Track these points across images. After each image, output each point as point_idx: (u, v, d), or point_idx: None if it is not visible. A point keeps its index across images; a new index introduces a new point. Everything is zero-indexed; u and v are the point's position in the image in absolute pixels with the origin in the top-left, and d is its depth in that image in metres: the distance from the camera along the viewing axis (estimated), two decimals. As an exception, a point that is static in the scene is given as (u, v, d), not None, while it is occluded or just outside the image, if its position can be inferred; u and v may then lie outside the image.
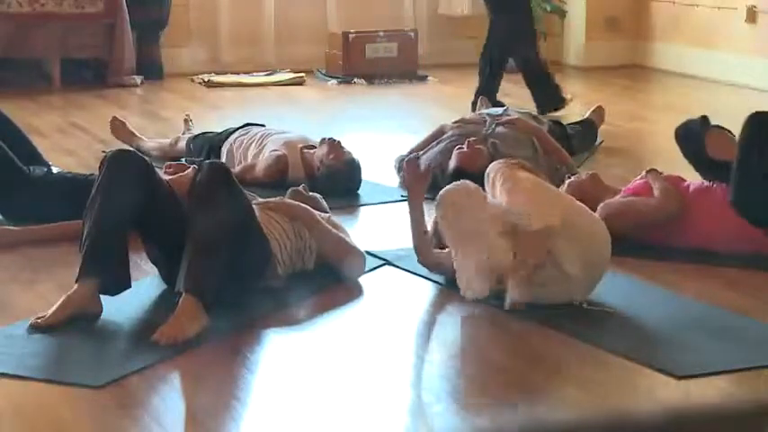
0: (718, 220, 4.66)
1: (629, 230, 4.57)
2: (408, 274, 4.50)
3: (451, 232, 4.04)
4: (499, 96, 8.01)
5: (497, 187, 4.17)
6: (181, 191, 4.16)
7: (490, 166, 4.37)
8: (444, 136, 5.93)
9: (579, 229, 4.08)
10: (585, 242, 4.08)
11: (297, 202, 4.50)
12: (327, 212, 4.68)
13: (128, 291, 4.04)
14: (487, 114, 6.19)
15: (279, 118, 7.00)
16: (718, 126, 4.95)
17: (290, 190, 4.70)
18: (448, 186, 4.15)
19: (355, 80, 9.02)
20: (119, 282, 4.02)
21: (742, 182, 4.64)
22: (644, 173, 4.91)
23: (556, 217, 4.03)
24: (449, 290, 4.29)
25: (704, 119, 4.99)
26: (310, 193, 4.71)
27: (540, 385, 3.63)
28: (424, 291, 4.34)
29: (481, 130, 5.89)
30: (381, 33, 9.27)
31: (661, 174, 4.86)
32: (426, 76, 9.22)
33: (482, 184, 5.32)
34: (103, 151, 5.59)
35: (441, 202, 4.09)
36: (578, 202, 4.26)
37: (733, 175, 4.65)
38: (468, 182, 4.17)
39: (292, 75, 9.08)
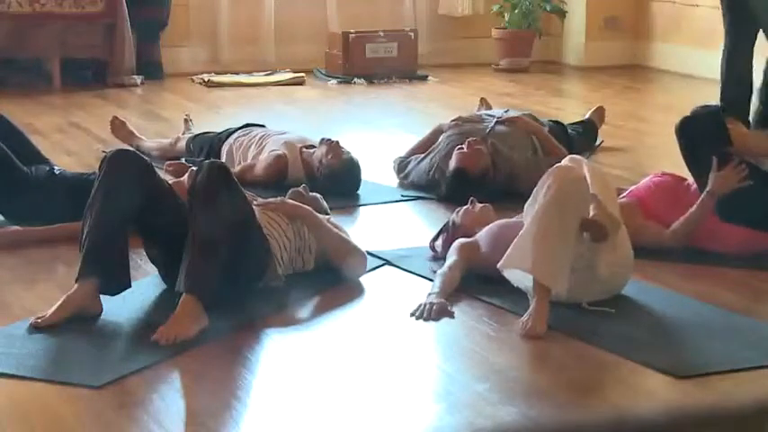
0: (719, 223, 4.66)
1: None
2: (408, 274, 4.50)
3: (551, 206, 3.95)
4: (501, 96, 8.01)
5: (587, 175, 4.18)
6: (182, 193, 4.16)
7: (570, 158, 4.30)
8: (443, 135, 5.92)
9: (623, 241, 4.13)
10: (622, 255, 4.13)
11: (298, 203, 4.49)
12: (328, 213, 4.68)
13: (128, 291, 4.04)
14: (488, 114, 6.19)
15: (279, 118, 7.01)
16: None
17: (290, 191, 4.70)
18: (567, 168, 4.08)
19: (355, 80, 9.03)
20: (119, 282, 4.02)
21: (704, 190, 4.65)
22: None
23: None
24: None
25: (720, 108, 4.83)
26: (311, 194, 4.71)
27: (540, 385, 3.62)
28: (424, 291, 4.34)
29: (480, 128, 5.88)
30: (381, 33, 9.27)
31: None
32: (426, 76, 9.23)
33: (482, 185, 5.36)
34: (103, 151, 5.59)
35: (555, 180, 4.00)
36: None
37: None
38: (581, 175, 4.10)
39: (292, 75, 9.08)
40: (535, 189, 4.06)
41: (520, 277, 4.05)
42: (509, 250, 4.00)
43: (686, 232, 4.64)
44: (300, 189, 4.71)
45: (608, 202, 4.09)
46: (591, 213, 4.01)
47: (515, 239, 4.00)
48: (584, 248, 4.02)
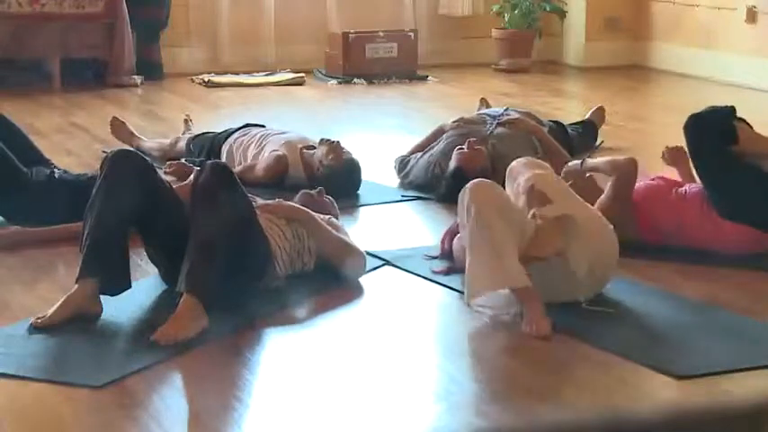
0: (718, 224, 4.65)
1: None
2: (408, 274, 4.50)
3: (479, 228, 3.96)
4: (501, 96, 8.01)
5: (521, 181, 4.16)
6: (184, 197, 4.16)
7: (514, 162, 4.33)
8: (444, 136, 5.93)
9: (590, 231, 4.10)
10: (595, 245, 4.10)
11: (296, 204, 4.49)
12: (338, 216, 4.68)
13: (128, 291, 4.04)
14: (487, 114, 6.19)
15: (279, 118, 7.00)
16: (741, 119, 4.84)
17: (301, 192, 4.71)
18: (476, 182, 4.11)
19: (355, 80, 9.03)
20: (119, 282, 4.02)
21: (708, 187, 4.65)
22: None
23: (573, 211, 4.09)
24: (448, 290, 4.30)
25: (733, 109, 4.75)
26: (325, 197, 4.71)
27: (540, 385, 3.62)
28: (424, 291, 4.34)
29: (481, 129, 5.89)
30: (381, 33, 9.27)
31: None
32: (426, 76, 9.23)
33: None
34: (104, 151, 5.59)
35: (470, 197, 4.00)
36: (591, 207, 4.27)
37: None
38: (491, 182, 4.13)
39: (292, 75, 9.08)
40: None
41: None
42: (466, 282, 3.97)
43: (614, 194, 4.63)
44: (314, 192, 4.72)
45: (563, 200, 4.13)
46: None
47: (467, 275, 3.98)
48: (560, 254, 4.02)
